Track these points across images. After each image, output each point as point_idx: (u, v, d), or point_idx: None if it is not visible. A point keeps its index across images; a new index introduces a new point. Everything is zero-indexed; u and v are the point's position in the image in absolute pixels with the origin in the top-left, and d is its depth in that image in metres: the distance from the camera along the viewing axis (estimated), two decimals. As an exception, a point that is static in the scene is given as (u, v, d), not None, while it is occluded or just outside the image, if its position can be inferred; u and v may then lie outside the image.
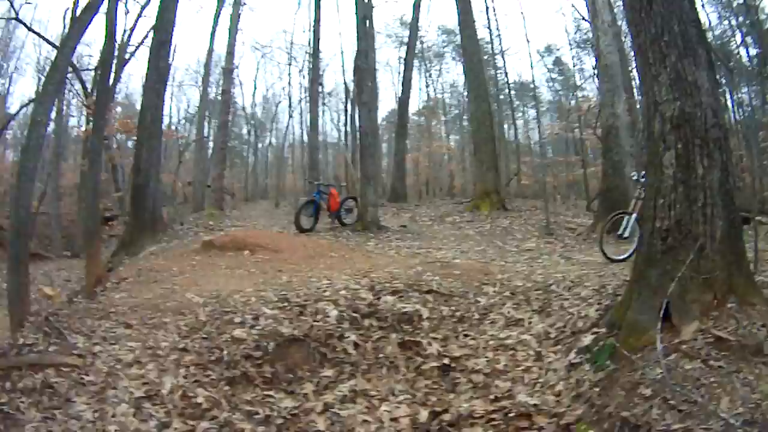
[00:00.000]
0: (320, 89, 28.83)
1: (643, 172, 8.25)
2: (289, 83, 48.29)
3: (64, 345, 4.99)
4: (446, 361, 5.16)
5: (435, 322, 5.68)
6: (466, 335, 5.61)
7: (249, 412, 4.31)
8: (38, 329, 5.34)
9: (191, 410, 4.30)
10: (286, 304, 5.58)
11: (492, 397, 4.64)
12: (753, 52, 31.27)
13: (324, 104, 33.52)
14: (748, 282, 4.61)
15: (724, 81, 26.79)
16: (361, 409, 4.51)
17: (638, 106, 20.76)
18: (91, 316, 5.76)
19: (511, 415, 4.23)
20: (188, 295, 6.08)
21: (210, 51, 26.02)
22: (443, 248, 10.73)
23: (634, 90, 21.91)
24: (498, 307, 6.07)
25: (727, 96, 29.08)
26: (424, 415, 4.42)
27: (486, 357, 5.21)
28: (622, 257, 8.31)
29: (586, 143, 27.53)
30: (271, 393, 4.54)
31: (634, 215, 8.44)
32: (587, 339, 4.95)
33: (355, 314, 5.53)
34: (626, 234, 8.62)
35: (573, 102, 29.30)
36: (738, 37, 30.22)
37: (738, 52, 30.59)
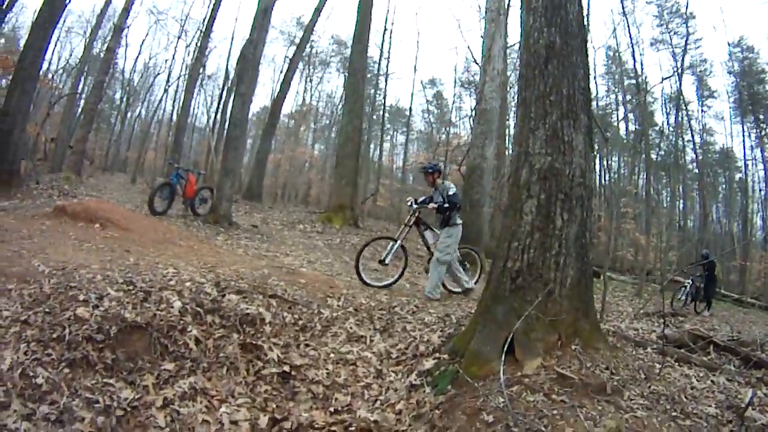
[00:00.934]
0: (202, 70, 27.91)
1: (422, 198, 8.85)
2: (173, 57, 46.48)
3: None
4: (287, 368, 5.11)
5: (277, 328, 5.61)
6: (307, 345, 5.59)
7: (89, 399, 4.00)
8: None
9: (31, 391, 3.93)
10: (131, 287, 5.24)
11: (332, 409, 4.66)
12: (632, 127, 34.70)
13: (201, 86, 32.58)
14: (594, 328, 5.02)
15: (597, 147, 29.09)
16: (201, 408, 4.34)
17: (507, 153, 21.92)
18: None
19: (351, 429, 4.27)
20: (34, 262, 5.57)
21: (107, 1, 24.32)
22: (291, 255, 10.73)
23: (507, 138, 23.14)
24: (341, 322, 6.13)
25: (597, 161, 31.72)
26: (263, 420, 4.36)
27: (326, 369, 5.23)
28: (381, 284, 8.42)
29: (448, 178, 28.48)
30: (111, 381, 4.24)
31: (398, 242, 8.59)
32: (429, 363, 5.10)
33: (198, 308, 5.31)
34: (387, 260, 8.62)
35: (444, 136, 30.26)
36: (621, 112, 33.30)
37: (618, 125, 33.62)
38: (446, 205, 8.23)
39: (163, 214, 12.46)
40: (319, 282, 7.25)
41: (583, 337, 4.80)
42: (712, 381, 5.02)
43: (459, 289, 8.78)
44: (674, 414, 3.93)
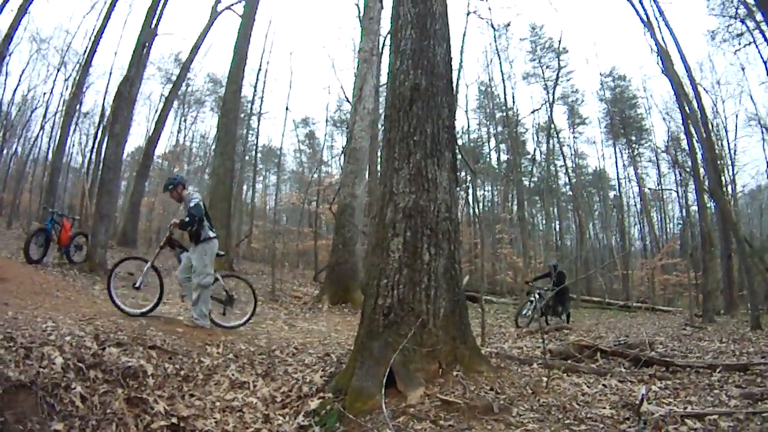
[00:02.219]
0: (78, 107, 26.74)
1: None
2: (52, 91, 44.06)
3: None
4: (174, 420, 5.11)
5: (160, 380, 5.60)
6: (192, 395, 5.62)
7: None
8: None
9: None
10: (12, 343, 5.10)
11: (226, 459, 4.69)
12: (504, 157, 36.57)
13: (77, 124, 31.18)
14: (474, 353, 5.32)
15: (468, 178, 30.43)
16: (93, 471, 4.33)
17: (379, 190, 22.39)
18: None
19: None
20: None
21: None
22: (168, 303, 10.50)
23: (378, 175, 23.86)
24: (222, 369, 6.18)
25: (470, 193, 33.24)
26: (157, 476, 4.35)
27: (214, 418, 5.29)
28: (139, 311, 7.64)
29: (321, 216, 28.76)
30: (1, 449, 4.18)
31: (148, 264, 7.77)
32: (314, 403, 5.28)
33: (80, 364, 5.22)
34: (138, 284, 7.77)
35: (316, 176, 30.52)
36: (492, 143, 34.96)
37: (489, 156, 35.28)
38: (186, 219, 7.47)
39: (39, 262, 11.97)
40: (197, 330, 7.24)
41: (464, 363, 5.06)
42: (603, 385, 5.44)
43: (230, 324, 8.15)
44: (567, 422, 4.21)
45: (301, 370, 6.21)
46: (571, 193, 36.99)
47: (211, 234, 7.75)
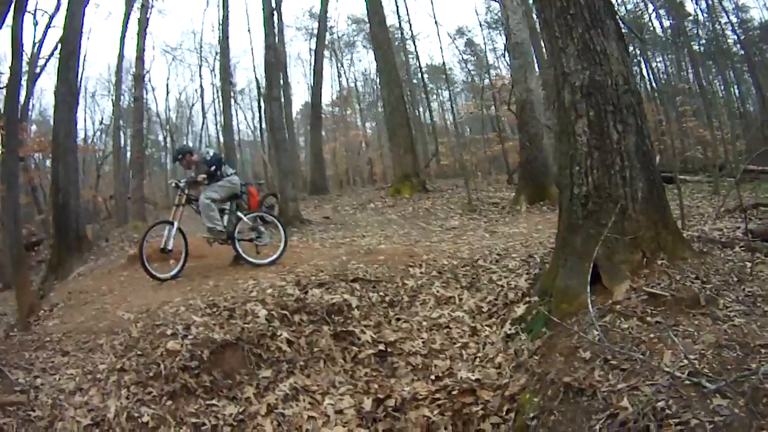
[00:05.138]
0: (232, 88, 28.27)
1: (186, 179, 7.91)
2: (201, 85, 47.42)
3: (5, 383, 4.72)
4: (382, 347, 5.15)
5: (365, 310, 5.64)
6: (398, 319, 5.60)
7: (195, 424, 4.16)
8: (-24, 372, 5.03)
9: (139, 431, 4.14)
10: (215, 309, 5.39)
11: (433, 377, 4.68)
12: (666, 23, 33.16)
13: (237, 103, 33.08)
14: (676, 238, 4.74)
15: (638, 52, 28.05)
16: (305, 406, 4.43)
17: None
18: (27, 348, 5.45)
19: (454, 392, 4.25)
20: (119, 312, 5.82)
21: (120, 57, 24.64)
22: (367, 235, 10.69)
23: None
24: (427, 287, 6.08)
25: (643, 66, 30.59)
26: (368, 403, 4.40)
27: (421, 338, 5.24)
28: (167, 275, 7.40)
29: (503, 119, 28.00)
30: (213, 402, 4.39)
31: (175, 224, 7.59)
32: (520, 309, 5.04)
33: (284, 311, 5.39)
34: (170, 246, 7.55)
35: (486, 80, 29.66)
36: (651, 10, 31.81)
37: (651, 25, 32.14)
38: (210, 168, 7.79)
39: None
40: (398, 255, 7.23)
41: (667, 250, 4.55)
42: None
43: (265, 261, 7.75)
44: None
45: (506, 276, 5.96)
46: (743, 51, 32.47)
47: (230, 171, 8.15)
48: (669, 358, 3.20)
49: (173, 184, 8.16)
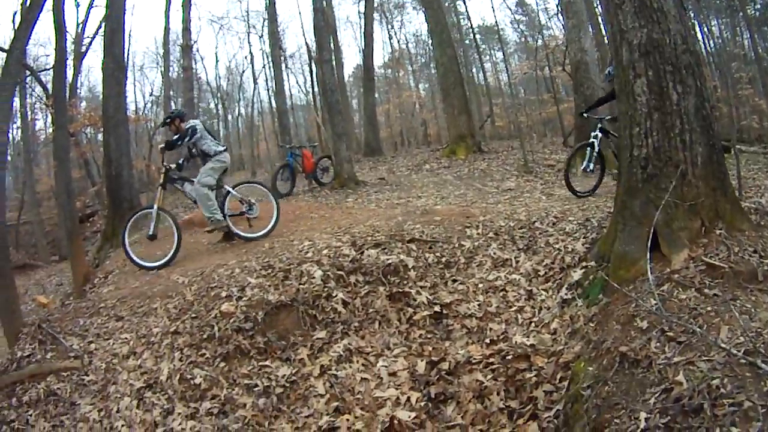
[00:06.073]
0: (282, 53, 28.29)
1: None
2: (250, 51, 47.68)
3: (60, 349, 4.95)
4: (437, 308, 5.14)
5: (421, 271, 5.62)
6: (454, 281, 5.56)
7: (248, 385, 4.29)
8: (33, 339, 5.25)
9: (191, 392, 4.30)
10: (270, 270, 5.50)
11: (487, 340, 4.65)
12: None
13: (287, 68, 33.09)
14: (735, 207, 4.54)
15: (692, 14, 26.86)
16: (358, 368, 4.50)
17: (606, 40, 20.65)
18: (82, 315, 5.70)
19: (508, 357, 4.21)
20: (173, 277, 5.99)
21: (166, 30, 25.19)
22: (423, 196, 10.70)
23: (601, 25, 21.92)
24: (483, 249, 6.00)
25: (697, 28, 29.22)
26: (421, 366, 4.41)
27: (477, 300, 5.20)
28: (157, 263, 7.37)
29: (557, 80, 27.37)
30: (266, 363, 4.50)
31: (155, 208, 7.77)
32: (577, 274, 4.94)
33: (339, 272, 5.46)
34: (152, 231, 7.76)
35: (540, 41, 28.94)
36: None
37: None
38: (174, 138, 7.72)
39: (289, 195, 12.92)
40: (455, 215, 7.16)
41: (726, 219, 4.37)
42: None
43: (257, 234, 7.81)
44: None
45: (562, 239, 5.82)
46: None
47: (219, 148, 7.90)
48: (726, 333, 3.10)
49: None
